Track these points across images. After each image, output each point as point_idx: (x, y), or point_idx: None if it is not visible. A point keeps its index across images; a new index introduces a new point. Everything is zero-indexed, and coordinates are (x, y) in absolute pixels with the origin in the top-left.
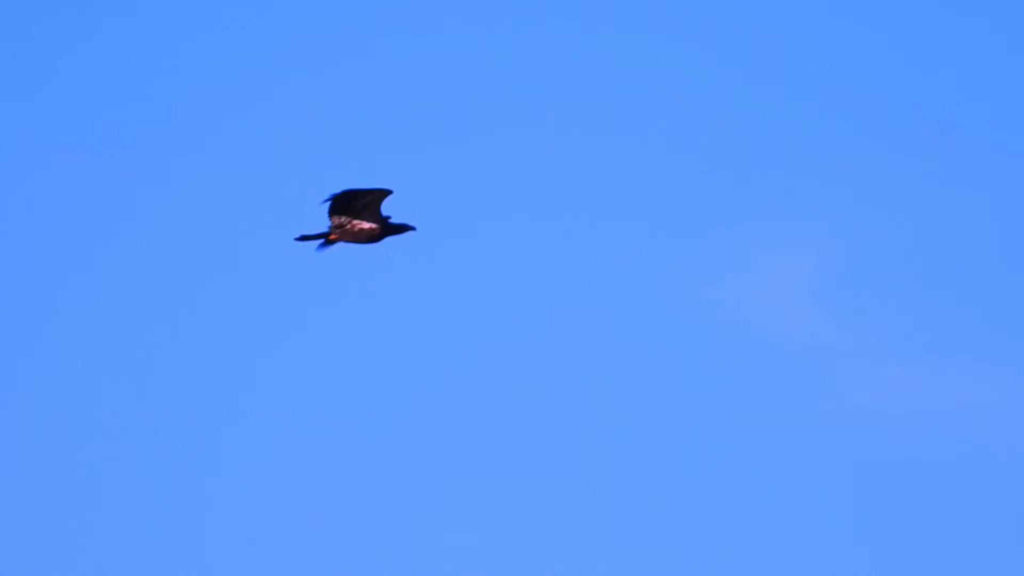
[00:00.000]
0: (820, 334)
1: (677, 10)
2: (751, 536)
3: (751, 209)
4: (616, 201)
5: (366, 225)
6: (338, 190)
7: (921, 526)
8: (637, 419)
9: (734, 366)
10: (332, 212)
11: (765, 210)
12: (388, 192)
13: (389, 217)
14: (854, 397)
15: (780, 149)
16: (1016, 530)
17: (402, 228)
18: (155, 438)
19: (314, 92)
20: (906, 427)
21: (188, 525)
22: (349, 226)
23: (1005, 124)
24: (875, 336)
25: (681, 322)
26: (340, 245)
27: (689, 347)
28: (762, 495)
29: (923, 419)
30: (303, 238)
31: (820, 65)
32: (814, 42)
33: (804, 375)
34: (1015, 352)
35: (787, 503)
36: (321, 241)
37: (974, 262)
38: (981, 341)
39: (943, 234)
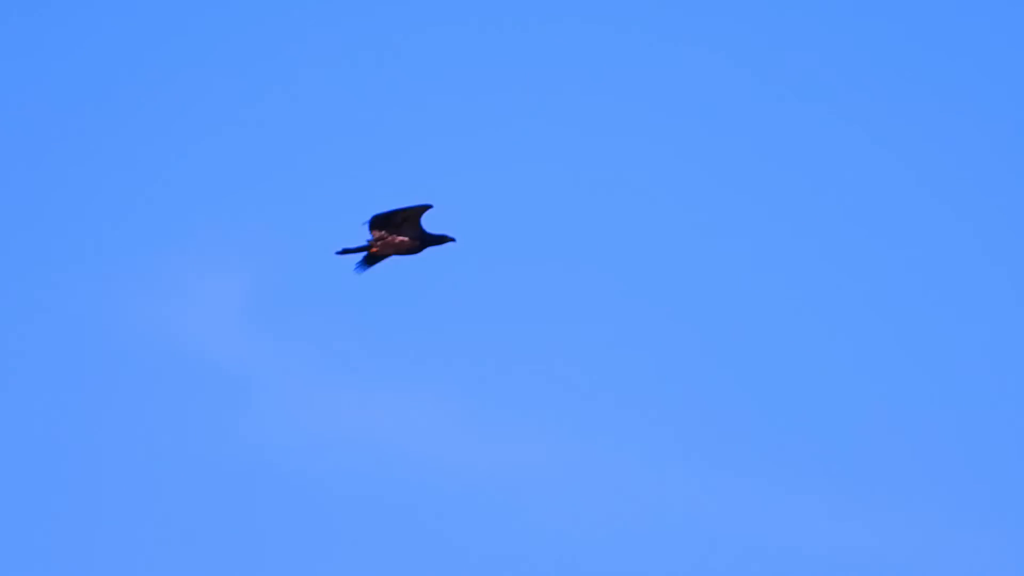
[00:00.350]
0: (249, 356)
1: None
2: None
3: (179, 229)
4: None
5: (405, 238)
6: (377, 211)
7: (352, 547)
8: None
9: (161, 391)
10: (372, 227)
11: (195, 229)
12: (427, 207)
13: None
14: (284, 419)
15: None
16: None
17: (442, 239)
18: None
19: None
20: (336, 448)
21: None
22: (389, 239)
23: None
24: (304, 357)
25: (109, 348)
26: (384, 262)
27: (117, 373)
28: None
29: (354, 440)
30: (345, 251)
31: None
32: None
33: (233, 398)
34: (440, 375)
35: (216, 524)
36: (363, 254)
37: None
38: (406, 362)
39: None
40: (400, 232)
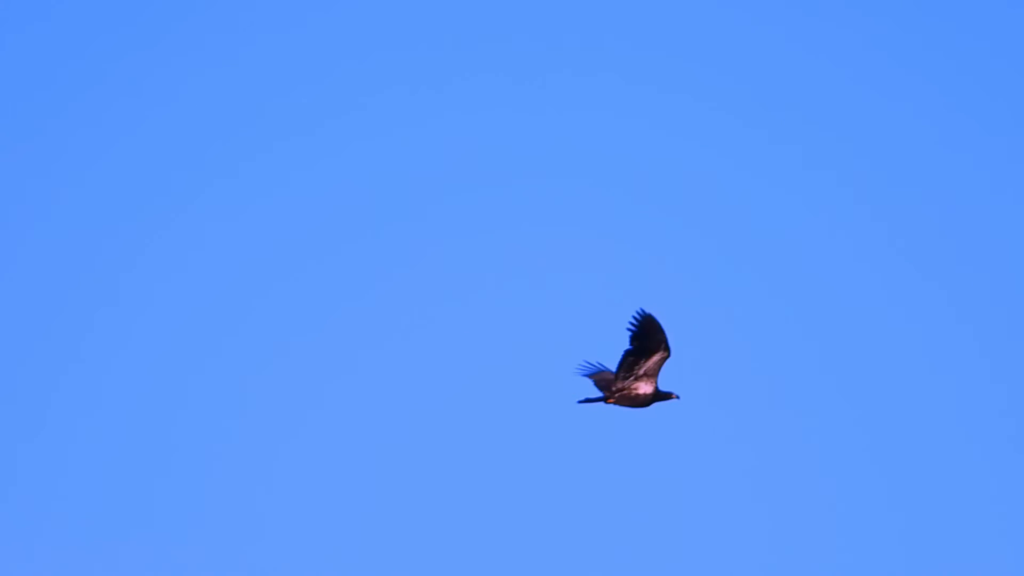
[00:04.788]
0: None
1: None
2: None
3: None
4: None
5: (642, 391)
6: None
7: None
8: None
9: None
10: (617, 373)
11: None
12: (668, 355)
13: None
14: None
15: None
16: None
17: (667, 396)
18: None
19: None
20: None
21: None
22: (628, 391)
23: None
24: None
25: None
26: (612, 408)
27: None
28: None
29: None
30: (585, 401)
31: None
32: None
33: None
34: None
35: None
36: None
37: None
38: None
39: None
40: (639, 382)
